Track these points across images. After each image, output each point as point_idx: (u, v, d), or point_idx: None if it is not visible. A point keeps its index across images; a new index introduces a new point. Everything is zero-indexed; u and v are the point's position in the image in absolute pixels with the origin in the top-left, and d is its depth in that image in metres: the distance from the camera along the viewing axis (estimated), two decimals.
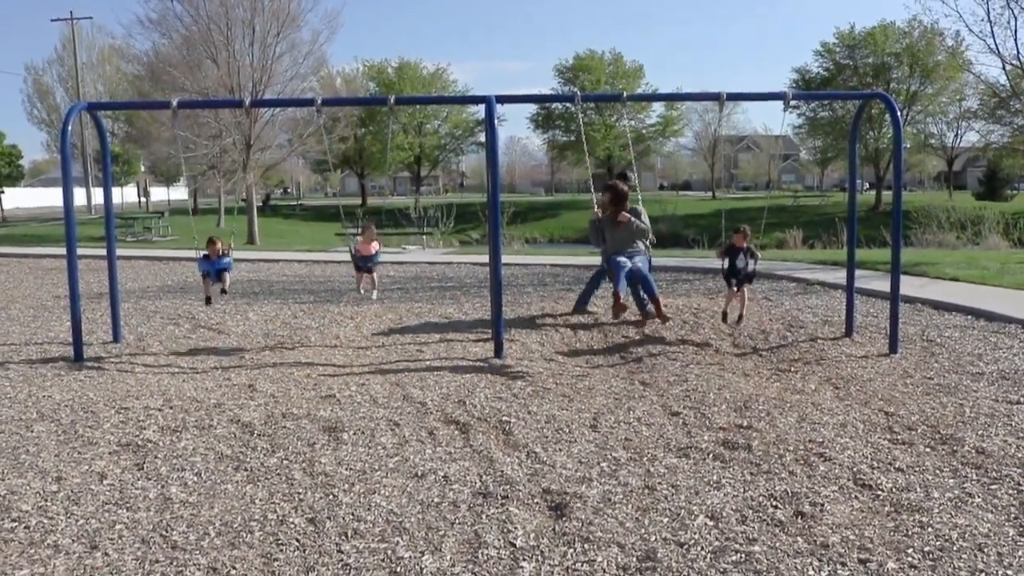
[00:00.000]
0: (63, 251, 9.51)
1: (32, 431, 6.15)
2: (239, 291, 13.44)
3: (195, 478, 5.17)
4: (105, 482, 5.13)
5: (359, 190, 72.51)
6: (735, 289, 9.20)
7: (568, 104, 63.37)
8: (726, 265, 9.18)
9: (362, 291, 9.87)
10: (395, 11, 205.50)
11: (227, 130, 25.62)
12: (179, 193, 75.57)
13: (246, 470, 5.28)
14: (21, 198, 64.73)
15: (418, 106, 61.98)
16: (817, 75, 53.84)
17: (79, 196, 56.55)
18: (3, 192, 45.36)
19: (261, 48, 26.36)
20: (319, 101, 9.01)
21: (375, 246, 9.56)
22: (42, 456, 5.60)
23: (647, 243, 9.17)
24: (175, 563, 4.06)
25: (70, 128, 8.71)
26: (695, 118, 77.55)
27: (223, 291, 9.58)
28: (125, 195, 63.11)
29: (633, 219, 8.73)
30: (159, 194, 71.19)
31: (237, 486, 5.02)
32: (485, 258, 17.53)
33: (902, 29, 50.56)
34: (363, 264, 9.63)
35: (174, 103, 8.89)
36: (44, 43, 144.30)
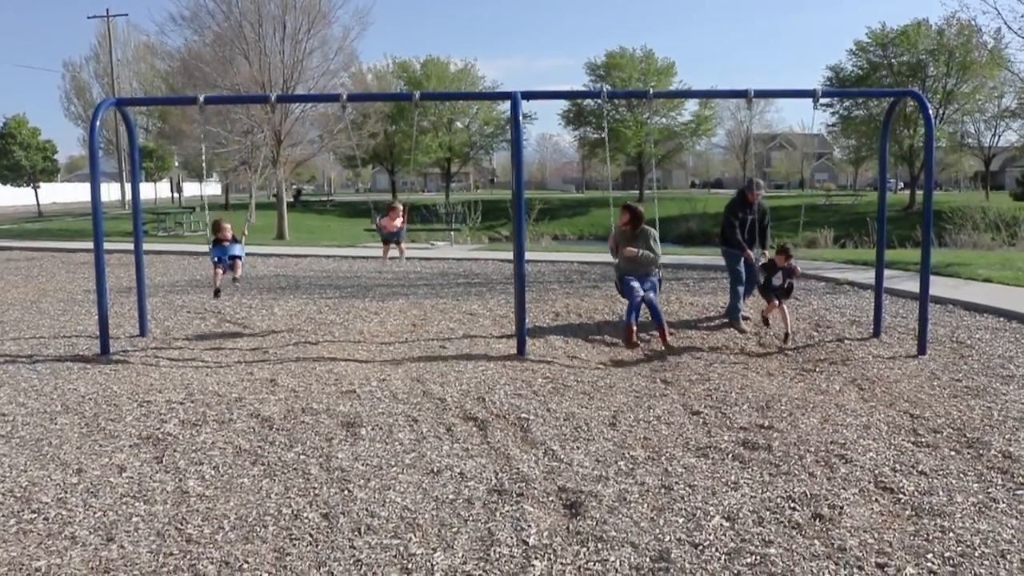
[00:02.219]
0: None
1: (56, 423, 6.23)
2: (266, 286, 13.54)
3: (212, 472, 5.20)
4: (124, 475, 5.17)
5: (390, 186, 72.81)
6: (776, 303, 9.02)
7: (599, 101, 63.03)
8: (762, 281, 9.14)
9: (388, 260, 10.80)
10: (426, 9, 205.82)
11: (258, 126, 25.79)
12: (212, 188, 76.37)
13: (263, 464, 5.30)
14: (58, 193, 65.70)
15: (447, 103, 61.99)
16: (852, 73, 53.00)
17: (113, 191, 57.27)
18: (39, 187, 45.99)
19: (292, 44, 26.50)
20: (345, 96, 9.05)
21: (399, 222, 9.93)
22: (64, 448, 5.67)
23: (658, 265, 9.10)
24: (189, 556, 4.08)
25: (98, 123, 8.80)
26: (727, 116, 77.07)
27: (234, 279, 9.65)
28: (159, 191, 63.86)
29: (641, 251, 8.87)
30: (192, 189, 71.98)
31: (253, 480, 5.04)
32: (511, 255, 17.52)
33: (937, 26, 49.80)
34: (390, 238, 10.07)
35: (201, 99, 8.96)
36: (81, 40, 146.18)
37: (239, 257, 9.48)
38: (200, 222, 32.35)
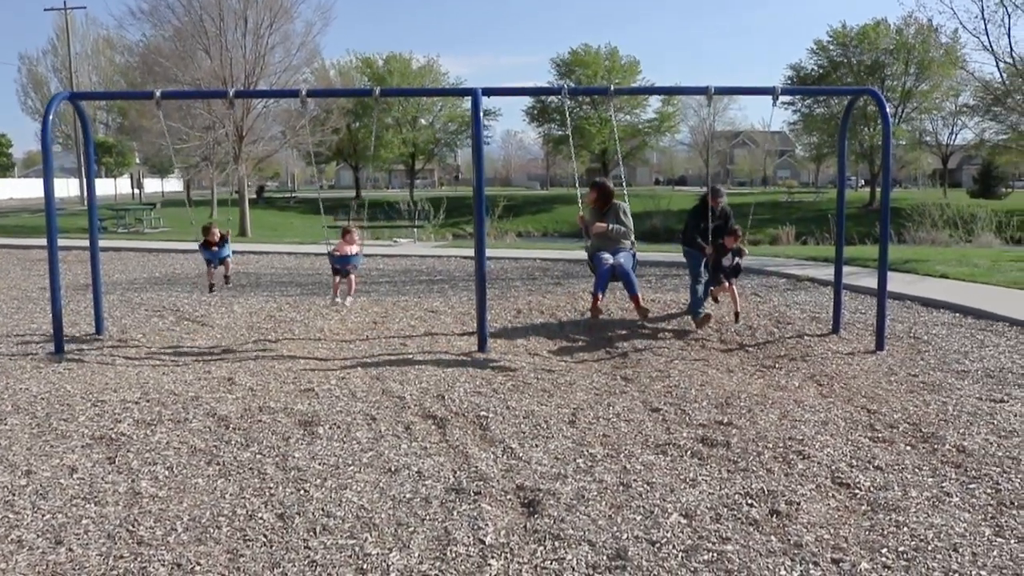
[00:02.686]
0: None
1: (6, 424, 6.08)
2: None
3: (166, 472, 5.10)
4: (75, 476, 5.06)
5: (354, 183, 72.41)
6: (725, 284, 9.28)
7: (562, 97, 63.06)
8: (711, 263, 9.36)
9: (337, 299, 9.51)
10: (392, 5, 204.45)
11: (219, 122, 25.45)
12: (173, 185, 75.34)
13: (218, 464, 5.22)
14: (15, 188, 64.45)
15: (411, 100, 61.79)
16: (812, 72, 53.71)
17: (72, 187, 56.28)
18: None
19: (254, 39, 26.21)
20: (304, 92, 8.93)
21: (355, 248, 9.29)
22: (13, 450, 5.53)
23: (631, 240, 9.15)
24: (139, 559, 3.99)
25: (52, 118, 8.61)
26: (691, 114, 77.57)
27: (226, 278, 10.15)
28: (119, 186, 62.84)
29: (612, 226, 8.89)
30: (153, 186, 70.90)
31: (208, 480, 4.96)
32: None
33: (896, 26, 50.60)
34: (341, 266, 9.24)
35: (157, 93, 8.81)
36: (39, 33, 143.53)
37: (228, 257, 9.88)
38: (161, 219, 31.92)
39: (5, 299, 12.04)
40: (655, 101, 66.51)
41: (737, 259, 9.35)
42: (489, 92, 8.84)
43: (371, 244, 21.38)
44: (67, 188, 57.43)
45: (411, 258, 17.33)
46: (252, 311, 10.81)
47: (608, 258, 8.68)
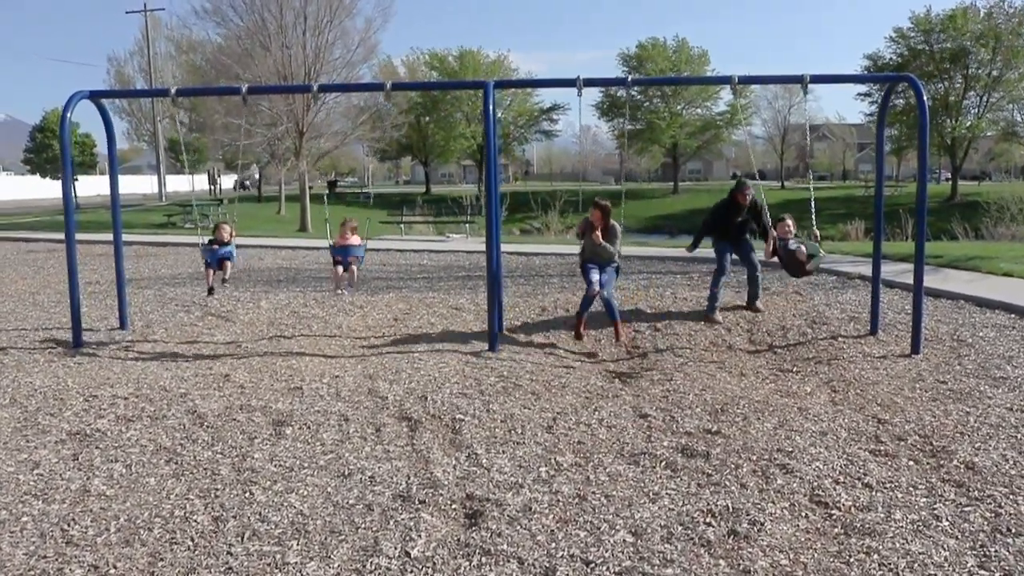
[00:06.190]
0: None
1: None
2: (262, 279, 13.43)
3: (123, 470, 5.02)
4: (35, 472, 5.02)
5: (424, 178, 72.98)
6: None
7: (634, 92, 62.28)
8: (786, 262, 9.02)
9: (339, 290, 9.63)
10: (462, 4, 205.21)
11: (279, 118, 25.70)
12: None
13: (176, 463, 5.12)
14: (102, 185, 66.74)
15: (481, 95, 61.65)
16: (890, 61, 51.44)
17: (152, 183, 58.13)
18: (77, 179, 46.52)
19: (314, 36, 26.39)
20: (315, 87, 8.86)
21: (357, 239, 9.27)
22: None
23: (618, 255, 9.00)
24: (61, 559, 3.91)
25: (70, 115, 8.69)
26: (764, 106, 75.55)
27: (224, 280, 9.72)
28: (196, 183, 64.55)
29: (607, 245, 8.83)
30: (231, 182, 72.60)
31: (160, 480, 4.85)
32: (526, 247, 17.21)
33: (986, 10, 48.10)
34: (341, 257, 9.27)
35: (173, 90, 8.85)
36: (125, 35, 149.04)
37: (228, 258, 9.57)
38: (227, 215, 32.51)
39: (50, 293, 12.30)
40: (727, 94, 64.92)
41: (801, 245, 8.83)
42: (501, 85, 8.64)
43: (421, 239, 21.34)
44: (150, 185, 59.31)
45: (457, 254, 17.17)
46: (278, 307, 10.79)
47: (596, 275, 8.66)
